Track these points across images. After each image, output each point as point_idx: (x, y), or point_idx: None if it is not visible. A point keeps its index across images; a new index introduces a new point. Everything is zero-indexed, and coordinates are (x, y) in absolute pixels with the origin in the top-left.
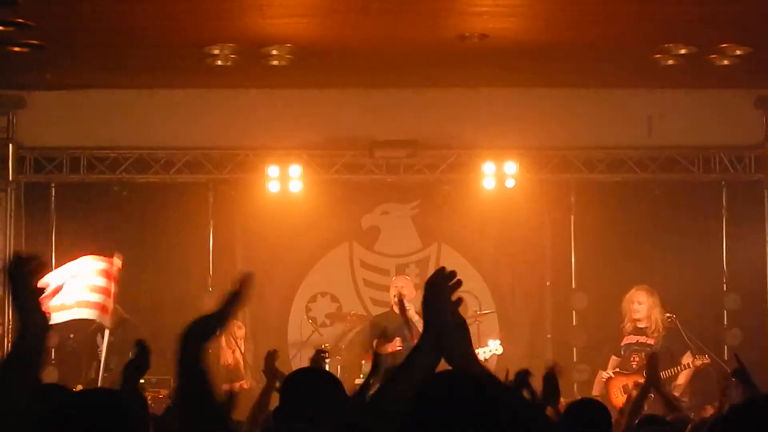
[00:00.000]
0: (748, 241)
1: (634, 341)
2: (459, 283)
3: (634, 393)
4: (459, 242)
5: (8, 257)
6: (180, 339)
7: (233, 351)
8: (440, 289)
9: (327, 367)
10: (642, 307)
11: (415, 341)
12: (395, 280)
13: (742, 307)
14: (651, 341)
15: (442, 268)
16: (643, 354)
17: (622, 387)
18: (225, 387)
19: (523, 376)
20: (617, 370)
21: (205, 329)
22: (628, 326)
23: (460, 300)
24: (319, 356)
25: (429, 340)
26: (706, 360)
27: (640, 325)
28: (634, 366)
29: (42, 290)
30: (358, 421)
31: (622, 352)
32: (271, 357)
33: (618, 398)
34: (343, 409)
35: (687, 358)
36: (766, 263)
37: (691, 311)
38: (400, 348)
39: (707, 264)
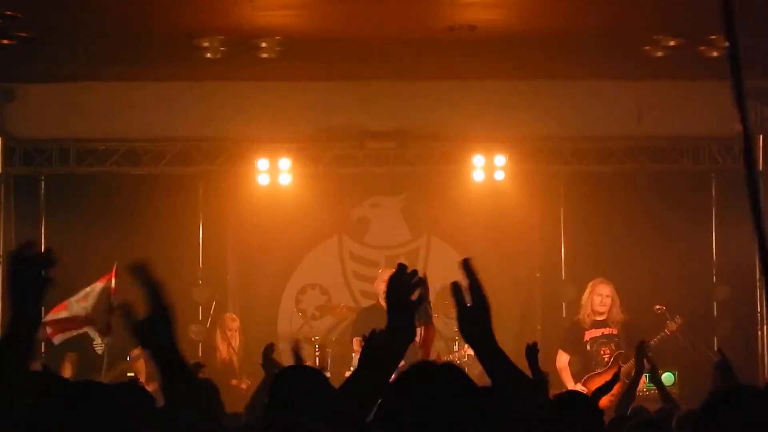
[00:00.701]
0: (738, 231)
1: (599, 334)
2: (420, 281)
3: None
4: (448, 234)
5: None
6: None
7: (228, 344)
8: (402, 285)
9: (317, 360)
10: (608, 299)
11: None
12: (381, 274)
13: (732, 298)
14: (615, 331)
15: (404, 266)
16: (612, 345)
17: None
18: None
19: (532, 348)
20: (594, 372)
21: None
22: (587, 320)
23: (421, 299)
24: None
25: (394, 329)
26: (678, 321)
27: (600, 318)
28: (605, 359)
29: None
30: (340, 411)
31: (588, 347)
32: (269, 350)
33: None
34: (329, 402)
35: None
36: (755, 254)
37: (681, 302)
38: None
39: (697, 255)
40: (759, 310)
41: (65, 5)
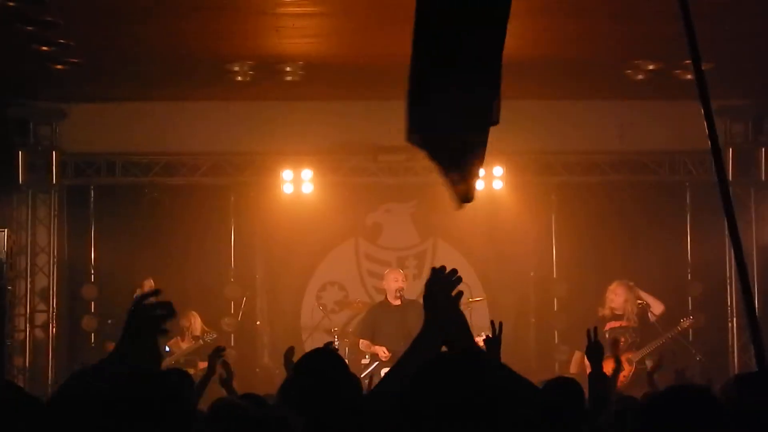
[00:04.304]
0: (710, 235)
1: (617, 325)
2: (459, 279)
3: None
4: (453, 237)
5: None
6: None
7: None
8: (441, 285)
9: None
10: (619, 297)
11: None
12: (389, 273)
13: (704, 294)
14: (632, 324)
15: (442, 267)
16: (627, 335)
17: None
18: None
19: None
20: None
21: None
22: (607, 313)
23: (460, 293)
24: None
25: (431, 332)
26: (690, 320)
27: (617, 312)
28: (623, 347)
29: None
30: (362, 409)
31: (607, 336)
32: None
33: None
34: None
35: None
36: (726, 255)
37: (659, 297)
38: (385, 359)
39: (673, 256)
40: (729, 304)
41: (112, 34)
